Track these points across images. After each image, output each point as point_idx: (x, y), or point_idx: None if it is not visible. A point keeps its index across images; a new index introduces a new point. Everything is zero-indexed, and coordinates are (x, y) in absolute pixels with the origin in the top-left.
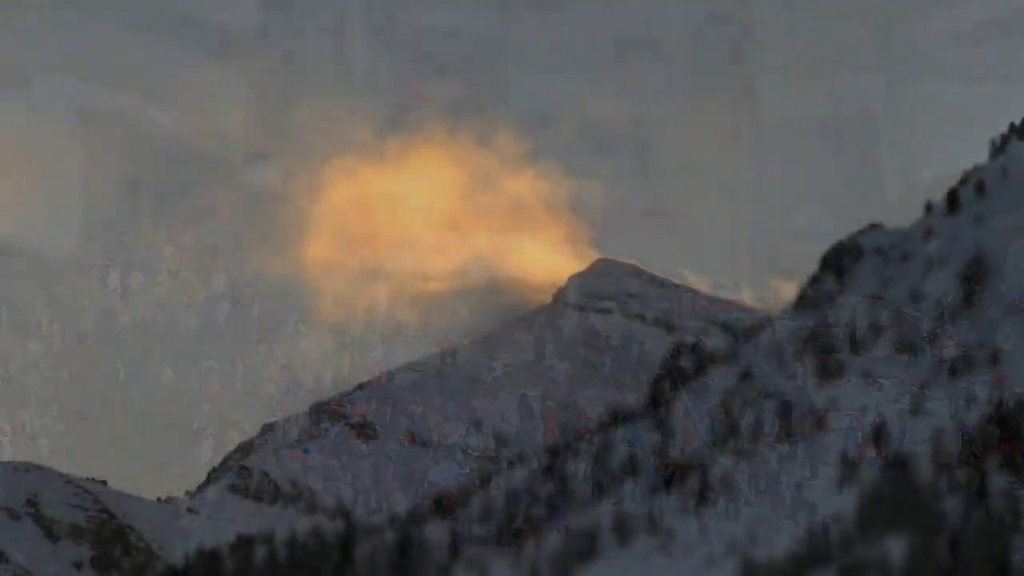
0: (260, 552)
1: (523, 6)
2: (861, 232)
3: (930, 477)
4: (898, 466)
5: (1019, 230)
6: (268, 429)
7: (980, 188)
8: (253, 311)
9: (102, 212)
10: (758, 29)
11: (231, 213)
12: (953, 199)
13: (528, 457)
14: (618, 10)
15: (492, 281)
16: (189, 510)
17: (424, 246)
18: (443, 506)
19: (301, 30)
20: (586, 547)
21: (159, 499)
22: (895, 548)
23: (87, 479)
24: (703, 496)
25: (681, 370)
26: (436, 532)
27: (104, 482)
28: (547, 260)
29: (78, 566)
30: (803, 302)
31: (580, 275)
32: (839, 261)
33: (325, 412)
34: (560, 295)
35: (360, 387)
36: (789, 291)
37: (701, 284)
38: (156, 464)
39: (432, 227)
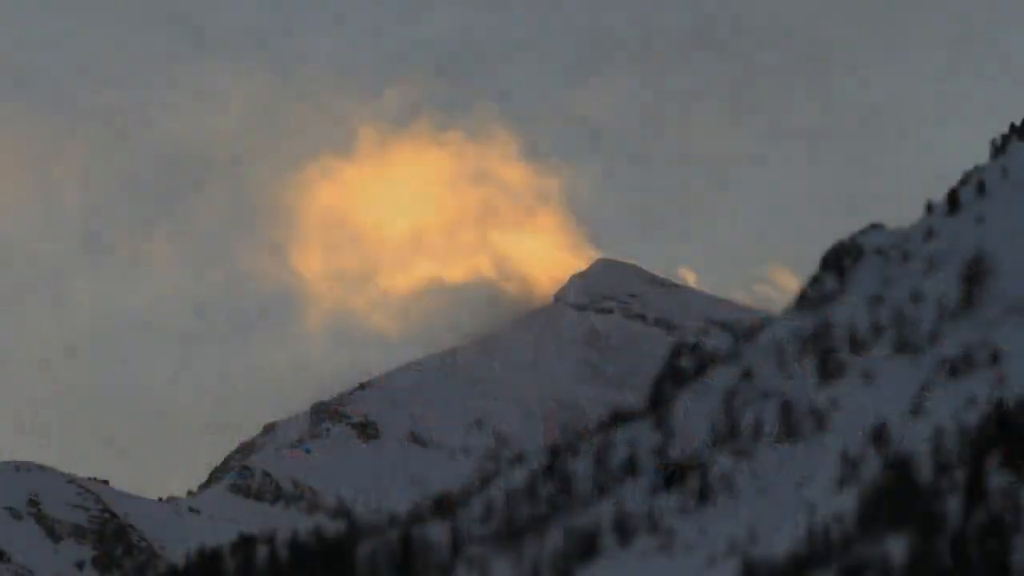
0: (261, 552)
1: (521, 4)
2: (862, 232)
3: (930, 477)
4: (898, 466)
5: (1019, 230)
6: (269, 429)
7: (980, 188)
8: (252, 310)
9: (100, 211)
10: (758, 25)
11: (228, 212)
12: (954, 199)
13: (528, 457)
14: (617, 7)
15: (493, 281)
16: (191, 510)
17: (425, 246)
18: (444, 506)
19: (296, 29)
20: (587, 547)
21: (161, 499)
22: (895, 548)
23: (89, 479)
24: (703, 496)
25: (682, 370)
26: (437, 532)
27: (106, 482)
28: (548, 260)
29: (80, 566)
30: (803, 302)
31: (581, 275)
32: (839, 261)
33: (326, 412)
34: (561, 295)
35: (361, 387)
36: (789, 291)
37: (702, 284)
38: (157, 463)
39: (433, 227)
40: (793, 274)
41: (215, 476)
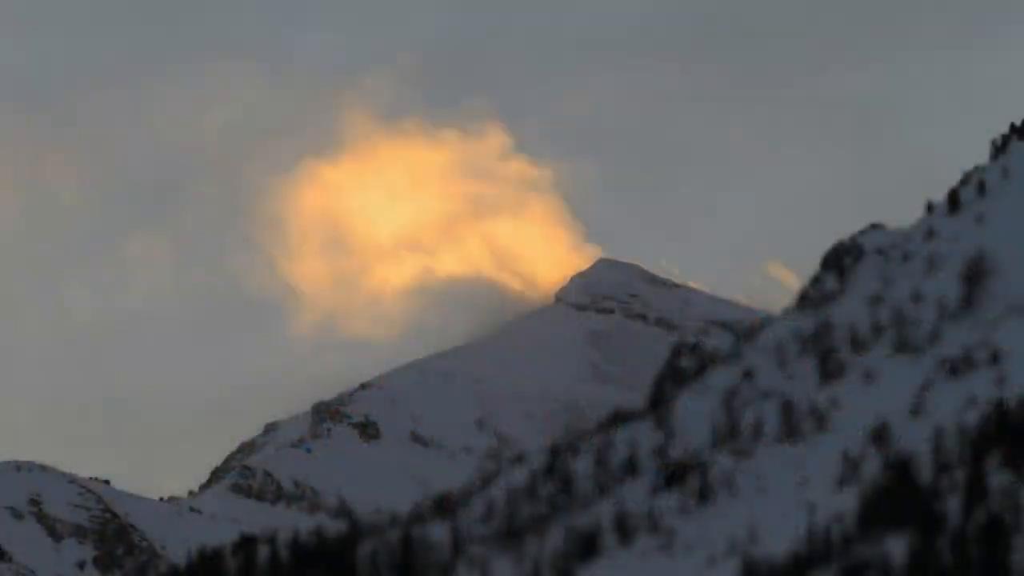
0: (262, 552)
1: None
2: (862, 232)
3: (930, 477)
4: (899, 466)
5: (1020, 230)
6: (270, 429)
7: (981, 188)
8: (252, 310)
9: (100, 209)
10: (758, 23)
11: (225, 211)
12: (954, 199)
13: (529, 457)
14: (617, 4)
15: (494, 281)
16: (192, 509)
17: (424, 246)
18: (445, 506)
19: (287, 28)
20: (587, 546)
21: (162, 498)
22: (895, 548)
23: (90, 478)
24: (704, 496)
25: (682, 370)
26: (438, 532)
27: (107, 481)
28: (549, 260)
29: (81, 565)
30: (804, 302)
31: (582, 275)
32: (840, 261)
33: (327, 412)
34: (562, 295)
35: (362, 387)
36: (790, 291)
37: (701, 284)
38: (158, 463)
39: (433, 226)
40: (793, 274)
41: (216, 476)
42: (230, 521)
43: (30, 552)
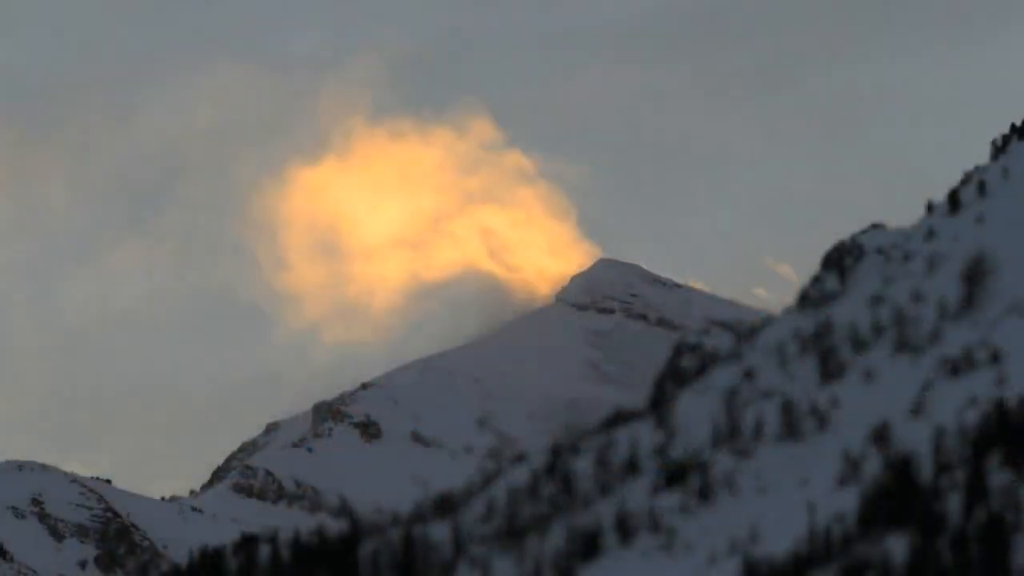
0: (264, 551)
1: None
2: (862, 232)
3: (931, 477)
4: (899, 465)
5: (1020, 230)
6: (272, 428)
7: (981, 188)
8: (251, 309)
9: (98, 209)
10: (758, 23)
11: (223, 210)
12: (955, 199)
13: (530, 456)
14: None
15: (495, 281)
16: (193, 509)
17: (424, 245)
18: (446, 505)
19: (278, 26)
20: (588, 546)
21: (163, 498)
22: (896, 547)
23: (92, 478)
24: (704, 495)
25: (683, 370)
26: (439, 531)
27: (109, 481)
28: (550, 260)
29: (82, 565)
30: (804, 302)
31: (583, 275)
32: (840, 261)
33: (328, 412)
34: (562, 295)
35: (363, 387)
36: (790, 291)
37: (701, 284)
38: (160, 463)
39: (433, 226)
40: (794, 274)
41: (217, 475)
42: (231, 521)
43: (32, 551)
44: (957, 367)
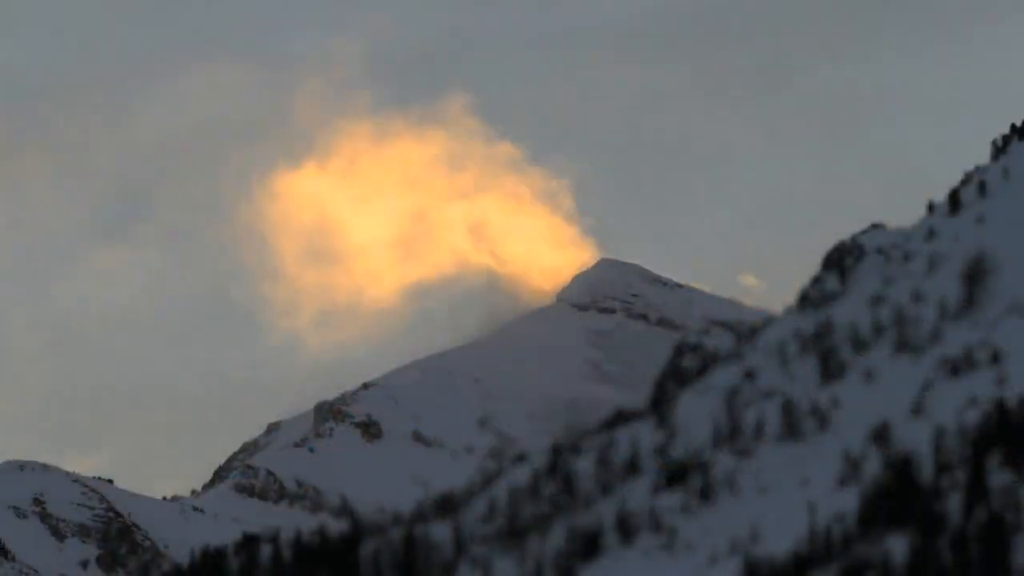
0: (265, 551)
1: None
2: (863, 232)
3: (931, 477)
4: (899, 465)
5: (1020, 230)
6: (273, 428)
7: (982, 188)
8: (250, 309)
9: (97, 208)
10: (757, 23)
11: (221, 210)
12: (955, 199)
13: (531, 456)
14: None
15: (496, 281)
16: (195, 509)
17: (425, 245)
18: (447, 505)
19: (274, 27)
20: (589, 546)
21: (165, 498)
22: (896, 547)
23: (93, 478)
24: (705, 495)
25: (684, 370)
26: (440, 531)
27: (110, 481)
28: (550, 260)
29: (84, 564)
30: (805, 302)
31: (583, 275)
32: (841, 261)
33: (329, 412)
34: (563, 295)
35: (364, 387)
36: (790, 291)
37: (701, 284)
38: (161, 463)
39: (433, 225)
40: (794, 274)
41: (219, 475)
42: (232, 520)
43: (33, 551)
44: (957, 367)
